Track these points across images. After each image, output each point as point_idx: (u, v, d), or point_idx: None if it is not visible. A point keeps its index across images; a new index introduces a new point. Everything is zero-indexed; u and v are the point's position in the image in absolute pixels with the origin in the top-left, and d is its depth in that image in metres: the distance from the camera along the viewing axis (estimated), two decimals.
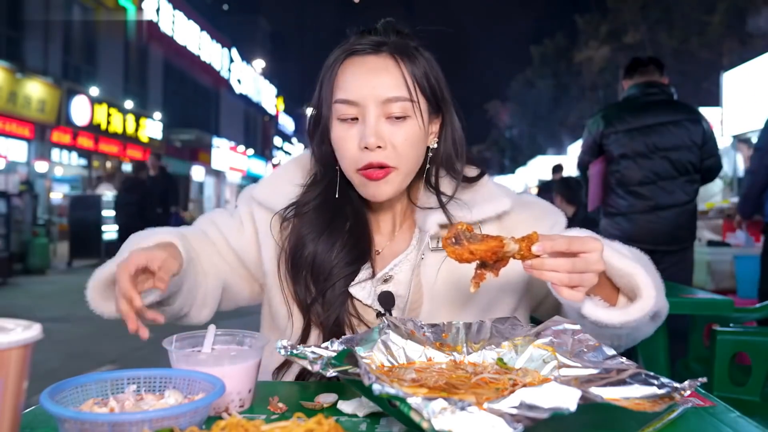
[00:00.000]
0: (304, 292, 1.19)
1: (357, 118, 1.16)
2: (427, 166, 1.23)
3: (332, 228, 1.21)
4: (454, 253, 0.92)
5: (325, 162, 1.25)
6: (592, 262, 0.94)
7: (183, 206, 22.49)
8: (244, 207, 1.32)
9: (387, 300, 1.19)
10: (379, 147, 1.13)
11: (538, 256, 0.93)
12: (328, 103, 1.18)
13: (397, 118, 1.15)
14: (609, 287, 1.05)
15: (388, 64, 1.17)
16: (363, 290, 1.18)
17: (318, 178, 1.26)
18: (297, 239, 1.22)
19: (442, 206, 1.21)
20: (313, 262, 1.18)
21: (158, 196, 10.26)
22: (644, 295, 1.00)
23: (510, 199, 1.24)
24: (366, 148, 1.13)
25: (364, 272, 1.19)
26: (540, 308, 1.30)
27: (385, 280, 1.20)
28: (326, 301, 1.17)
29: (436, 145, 1.23)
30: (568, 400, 0.69)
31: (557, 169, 10.49)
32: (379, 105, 1.14)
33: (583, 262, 0.94)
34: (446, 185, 1.24)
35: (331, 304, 1.17)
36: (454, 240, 0.92)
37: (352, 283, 1.18)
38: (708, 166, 3.55)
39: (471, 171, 1.28)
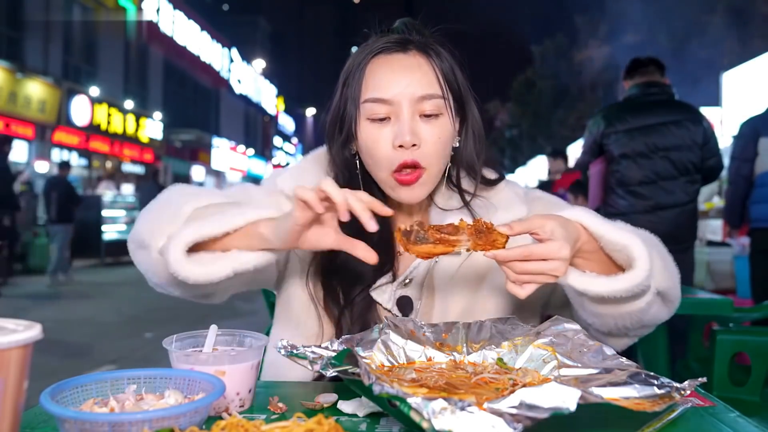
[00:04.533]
0: (334, 299, 1.17)
1: (388, 118, 1.13)
2: (449, 164, 1.21)
3: (360, 233, 1.14)
4: (399, 242, 0.96)
5: (348, 165, 1.22)
6: (549, 268, 0.94)
7: None
8: (273, 197, 1.25)
9: (405, 304, 1.18)
10: (414, 145, 1.11)
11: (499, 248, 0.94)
12: (356, 103, 1.15)
13: (430, 116, 1.13)
14: (610, 265, 1.04)
15: (420, 61, 1.15)
16: (384, 294, 1.17)
17: (340, 183, 1.20)
18: None
19: (466, 204, 1.21)
20: (346, 267, 1.15)
21: None
22: (636, 266, 1.00)
23: (525, 205, 1.24)
24: (401, 146, 1.11)
25: (385, 276, 1.18)
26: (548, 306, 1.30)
27: (405, 284, 1.18)
28: (354, 308, 1.16)
29: (457, 144, 1.21)
30: (568, 400, 0.69)
31: (556, 154, 9.99)
32: (413, 103, 1.12)
33: (540, 266, 0.94)
34: (466, 186, 1.24)
35: (359, 311, 1.15)
36: (406, 231, 0.94)
37: (374, 286, 1.17)
38: (710, 165, 3.56)
39: (489, 173, 1.27)
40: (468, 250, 0.95)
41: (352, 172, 1.21)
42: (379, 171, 1.15)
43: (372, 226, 0.91)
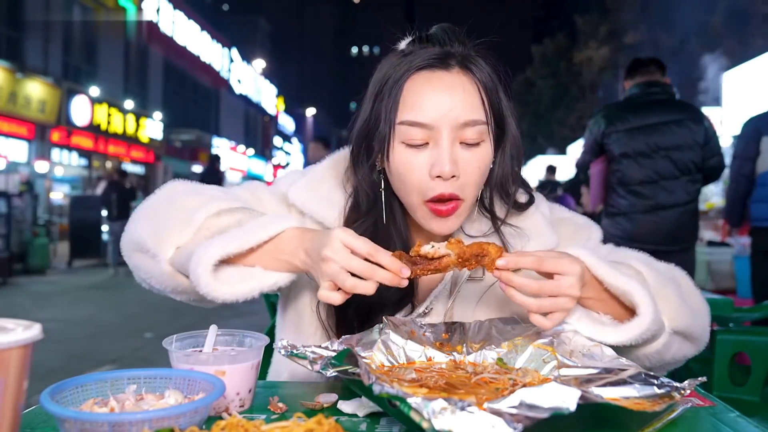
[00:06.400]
0: (349, 333, 1.07)
1: (426, 143, 1.04)
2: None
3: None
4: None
5: (373, 186, 1.13)
6: (564, 286, 0.91)
7: None
8: (284, 209, 1.19)
9: None
10: (453, 176, 1.03)
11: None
12: (390, 123, 1.05)
13: (471, 144, 1.05)
14: (620, 307, 1.01)
15: (463, 80, 1.06)
16: None
17: (363, 207, 1.14)
18: None
19: (497, 230, 1.14)
20: (362, 300, 1.03)
21: None
22: (640, 312, 0.97)
23: (554, 232, 1.18)
24: (439, 177, 1.02)
25: (404, 309, 1.12)
26: None
27: (425, 314, 1.13)
28: None
29: (492, 165, 1.12)
30: (568, 400, 0.69)
31: (551, 170, 10.50)
32: (455, 129, 1.03)
33: (554, 285, 0.91)
34: (497, 209, 1.15)
35: None
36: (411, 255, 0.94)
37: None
38: (711, 165, 3.55)
39: (519, 194, 1.18)
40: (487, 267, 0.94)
41: (376, 192, 1.13)
42: (410, 197, 1.07)
43: (405, 283, 0.92)
